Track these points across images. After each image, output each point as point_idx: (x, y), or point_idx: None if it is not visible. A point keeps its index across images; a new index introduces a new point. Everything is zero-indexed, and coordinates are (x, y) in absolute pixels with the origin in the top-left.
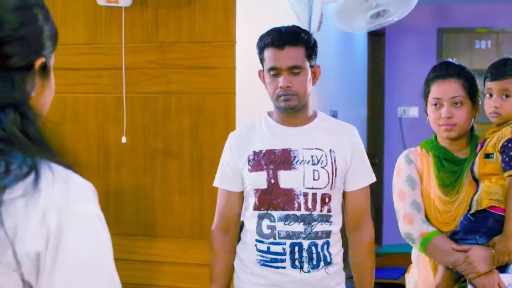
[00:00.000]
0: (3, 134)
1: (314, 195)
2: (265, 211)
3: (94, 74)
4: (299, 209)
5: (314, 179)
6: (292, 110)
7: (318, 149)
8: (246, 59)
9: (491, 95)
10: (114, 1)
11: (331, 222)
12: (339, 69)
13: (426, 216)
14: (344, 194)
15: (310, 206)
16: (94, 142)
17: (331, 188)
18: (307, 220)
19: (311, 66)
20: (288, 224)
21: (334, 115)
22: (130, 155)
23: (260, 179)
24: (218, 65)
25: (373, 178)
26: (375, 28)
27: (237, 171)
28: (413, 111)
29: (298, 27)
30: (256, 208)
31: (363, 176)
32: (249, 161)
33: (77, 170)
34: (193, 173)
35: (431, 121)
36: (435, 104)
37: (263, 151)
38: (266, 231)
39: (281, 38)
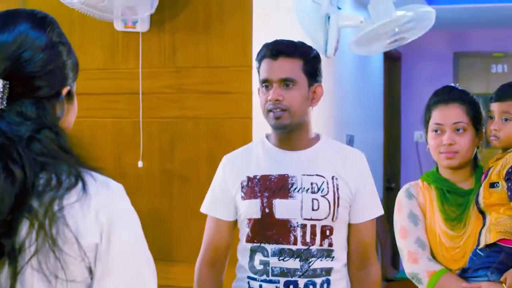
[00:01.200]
0: (45, 151)
1: (313, 227)
2: (258, 244)
3: (111, 99)
4: (295, 243)
5: (313, 209)
6: (285, 130)
7: (319, 175)
8: None
9: (491, 117)
10: (132, 27)
11: (333, 257)
12: (355, 93)
13: (432, 254)
14: (349, 226)
15: (308, 239)
16: (111, 166)
17: (332, 219)
18: (303, 255)
19: (311, 84)
20: (283, 259)
21: (351, 139)
22: (147, 180)
23: (253, 208)
24: (234, 90)
25: (380, 211)
26: (391, 48)
27: (229, 198)
28: None
29: (302, 42)
30: (249, 240)
31: (370, 207)
32: (242, 187)
33: (104, 174)
34: None
35: (431, 149)
36: (436, 130)
37: (258, 177)
38: (259, 266)
39: (276, 47)
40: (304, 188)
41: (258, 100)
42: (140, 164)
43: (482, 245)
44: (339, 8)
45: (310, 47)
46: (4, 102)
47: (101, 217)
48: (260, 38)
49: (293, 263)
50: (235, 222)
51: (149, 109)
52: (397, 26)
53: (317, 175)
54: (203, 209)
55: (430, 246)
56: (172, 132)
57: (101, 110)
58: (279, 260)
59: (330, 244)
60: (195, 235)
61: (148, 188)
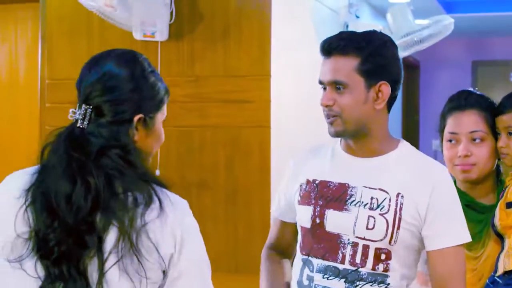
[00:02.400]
0: (113, 166)
1: (365, 247)
2: (306, 257)
3: None
4: (342, 261)
5: (367, 228)
6: (342, 137)
7: (382, 190)
8: (281, 93)
9: (499, 134)
10: (150, 36)
11: (388, 285)
12: None
13: None
14: (427, 254)
15: (358, 260)
16: None
17: (390, 242)
18: (350, 277)
19: (371, 84)
20: (327, 278)
21: None
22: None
23: (305, 216)
24: (253, 98)
25: (463, 238)
26: (406, 55)
27: (291, 200)
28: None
29: (367, 33)
30: (301, 250)
31: (448, 232)
32: (300, 190)
33: (172, 190)
34: (228, 206)
35: (446, 161)
36: (451, 140)
37: (317, 182)
38: (305, 282)
39: (329, 43)
40: (362, 202)
41: (276, 108)
42: (157, 172)
43: (500, 271)
44: (357, 17)
45: (371, 40)
46: (85, 123)
47: (175, 232)
48: (278, 47)
49: (338, 284)
50: None
51: (168, 117)
52: (417, 37)
53: (380, 189)
54: (271, 209)
55: None
56: (191, 140)
57: None
58: (323, 277)
59: (386, 270)
60: (213, 243)
61: None
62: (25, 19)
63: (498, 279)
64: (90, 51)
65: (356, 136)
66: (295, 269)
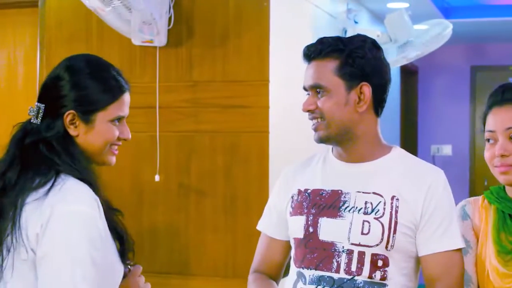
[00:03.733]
0: (36, 156)
1: (361, 254)
2: (299, 269)
3: (129, 113)
4: (337, 270)
5: (362, 233)
6: (327, 143)
7: (376, 194)
8: (280, 98)
9: (489, 140)
10: (149, 41)
11: None
12: None
13: None
14: (420, 260)
15: (353, 268)
16: (128, 180)
17: (386, 247)
18: (346, 286)
19: (352, 86)
20: None
21: None
22: (164, 194)
23: (297, 226)
24: (251, 104)
25: (457, 243)
26: (405, 63)
27: (282, 214)
28: (447, 150)
29: (351, 36)
30: (294, 263)
31: (442, 237)
32: (292, 201)
33: (96, 184)
34: (227, 211)
35: (487, 162)
36: (489, 140)
37: (309, 191)
38: None
39: (308, 49)
40: (356, 207)
41: (275, 114)
42: (157, 178)
43: None
44: (356, 22)
45: (350, 42)
46: (38, 119)
47: (45, 214)
48: (277, 52)
49: None
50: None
51: (166, 123)
52: (415, 45)
53: (374, 193)
54: (258, 225)
55: (478, 283)
56: (189, 146)
57: None
58: None
59: (383, 278)
60: (212, 248)
61: (165, 202)
62: (24, 24)
63: None
64: None
65: (343, 142)
66: (288, 284)
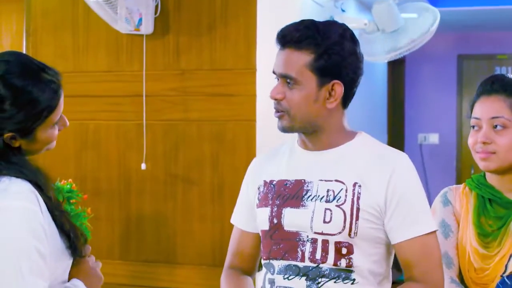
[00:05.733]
0: None
1: (324, 242)
2: (267, 260)
3: (115, 101)
4: (302, 259)
5: (324, 221)
6: (290, 133)
7: (338, 181)
8: (267, 87)
9: (473, 127)
10: (136, 29)
11: (354, 281)
12: (359, 96)
13: (461, 274)
14: (394, 248)
15: (318, 256)
16: (115, 168)
17: (350, 235)
18: (311, 274)
19: (324, 83)
20: (287, 278)
21: None
22: (151, 182)
23: (263, 218)
24: (238, 92)
25: (430, 226)
26: (392, 59)
27: (251, 206)
28: (434, 138)
29: (329, 24)
30: (262, 255)
31: (414, 222)
32: (259, 193)
33: (45, 185)
34: (214, 200)
35: (470, 147)
36: (473, 126)
37: (274, 182)
38: (267, 286)
39: (285, 33)
40: (318, 196)
41: (262, 103)
42: (143, 166)
43: (508, 271)
44: (343, 11)
45: (328, 34)
46: None
47: None
48: (264, 40)
49: (299, 282)
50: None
51: (153, 111)
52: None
53: (336, 180)
54: (231, 218)
55: (459, 264)
56: (176, 134)
57: (105, 113)
58: (284, 278)
59: (349, 265)
60: (199, 237)
61: (152, 191)
62: (10, 12)
63: (507, 280)
64: (75, 45)
65: (307, 132)
66: (259, 277)
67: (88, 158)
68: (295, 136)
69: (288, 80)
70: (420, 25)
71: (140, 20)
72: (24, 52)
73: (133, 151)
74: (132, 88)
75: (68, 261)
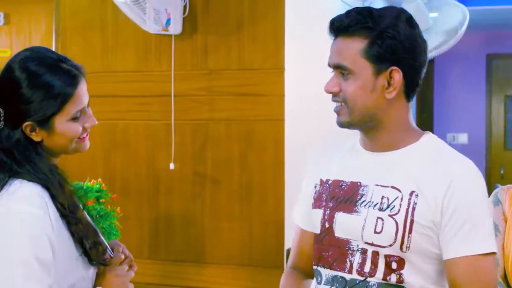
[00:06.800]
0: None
1: (375, 254)
2: (316, 266)
3: (144, 101)
4: (350, 271)
5: (375, 231)
6: (349, 128)
7: (395, 188)
8: (295, 86)
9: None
10: (164, 29)
11: None
12: None
13: (506, 276)
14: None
15: (366, 269)
16: (144, 168)
17: (401, 248)
18: None
19: (381, 70)
20: None
21: None
22: (179, 182)
23: (316, 220)
24: (267, 92)
25: (483, 247)
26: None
27: (309, 202)
28: (463, 138)
29: (383, 8)
30: (313, 259)
31: (465, 239)
32: (315, 192)
33: (57, 189)
34: (242, 199)
35: None
36: None
37: (330, 181)
38: None
39: (336, 21)
40: (372, 202)
41: (290, 102)
42: (172, 166)
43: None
44: None
45: (382, 18)
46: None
47: None
48: (292, 40)
49: None
50: None
51: (181, 111)
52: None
53: (392, 187)
54: (293, 214)
55: (504, 266)
56: (204, 134)
57: (133, 113)
58: None
59: (400, 281)
60: (227, 236)
61: (180, 190)
62: (39, 13)
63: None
64: (104, 45)
65: (367, 129)
66: (313, 282)
67: (117, 158)
68: (350, 133)
69: (342, 71)
70: (449, 24)
71: (169, 20)
72: None
73: (162, 150)
74: (160, 88)
75: (85, 269)
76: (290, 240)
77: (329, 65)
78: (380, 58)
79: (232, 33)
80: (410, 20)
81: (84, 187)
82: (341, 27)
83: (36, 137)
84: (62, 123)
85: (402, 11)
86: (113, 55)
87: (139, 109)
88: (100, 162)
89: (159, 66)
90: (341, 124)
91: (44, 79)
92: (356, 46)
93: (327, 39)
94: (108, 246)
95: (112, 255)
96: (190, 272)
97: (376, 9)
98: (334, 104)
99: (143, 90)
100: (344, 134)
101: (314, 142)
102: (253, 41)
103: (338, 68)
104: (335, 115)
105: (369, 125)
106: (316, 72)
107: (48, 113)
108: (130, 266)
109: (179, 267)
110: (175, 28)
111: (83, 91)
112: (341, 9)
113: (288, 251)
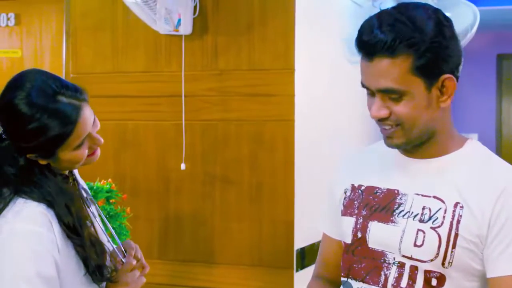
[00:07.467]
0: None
1: (413, 269)
2: (346, 279)
3: (154, 101)
4: (384, 285)
5: (415, 245)
6: (404, 148)
7: (437, 198)
8: (305, 86)
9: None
10: (174, 30)
11: None
12: None
13: None
14: (488, 282)
15: (403, 284)
16: (154, 168)
17: (443, 264)
18: None
19: (433, 82)
20: None
21: None
22: (189, 182)
23: (347, 229)
24: (277, 92)
25: None
26: None
27: (336, 209)
28: (473, 138)
29: (417, 14)
30: (342, 270)
31: (510, 257)
32: (344, 198)
33: (63, 209)
34: (252, 200)
35: None
36: None
37: (363, 187)
38: None
39: (370, 43)
40: (412, 213)
41: (300, 103)
42: (183, 166)
43: None
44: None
45: (424, 28)
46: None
47: None
48: (303, 40)
49: None
50: None
51: (192, 111)
52: None
53: (434, 197)
54: (319, 221)
55: None
56: (215, 134)
57: (143, 113)
58: None
59: None
60: (237, 237)
61: (191, 191)
62: (50, 13)
63: None
64: (114, 45)
65: (422, 141)
66: None
67: (127, 158)
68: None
69: (390, 96)
70: (460, 25)
71: (179, 20)
72: (63, 52)
73: (172, 151)
74: (170, 89)
75: (95, 284)
76: (300, 241)
77: (365, 86)
78: (431, 70)
79: (242, 34)
80: (445, 17)
81: (95, 187)
82: (380, 46)
83: (42, 161)
84: (66, 154)
85: (434, 9)
86: (123, 56)
87: (149, 110)
88: (110, 163)
89: (169, 66)
90: (396, 146)
91: (41, 122)
92: (404, 64)
93: (337, 39)
94: (121, 246)
95: (123, 260)
96: (200, 272)
97: (410, 15)
98: (345, 106)
99: (153, 90)
100: (351, 133)
101: (324, 142)
102: (263, 42)
103: (385, 92)
104: (345, 116)
105: (424, 139)
106: (326, 72)
107: (50, 150)
108: (142, 268)
109: (189, 267)
110: (185, 28)
111: (85, 119)
112: (351, 9)
113: (298, 251)
